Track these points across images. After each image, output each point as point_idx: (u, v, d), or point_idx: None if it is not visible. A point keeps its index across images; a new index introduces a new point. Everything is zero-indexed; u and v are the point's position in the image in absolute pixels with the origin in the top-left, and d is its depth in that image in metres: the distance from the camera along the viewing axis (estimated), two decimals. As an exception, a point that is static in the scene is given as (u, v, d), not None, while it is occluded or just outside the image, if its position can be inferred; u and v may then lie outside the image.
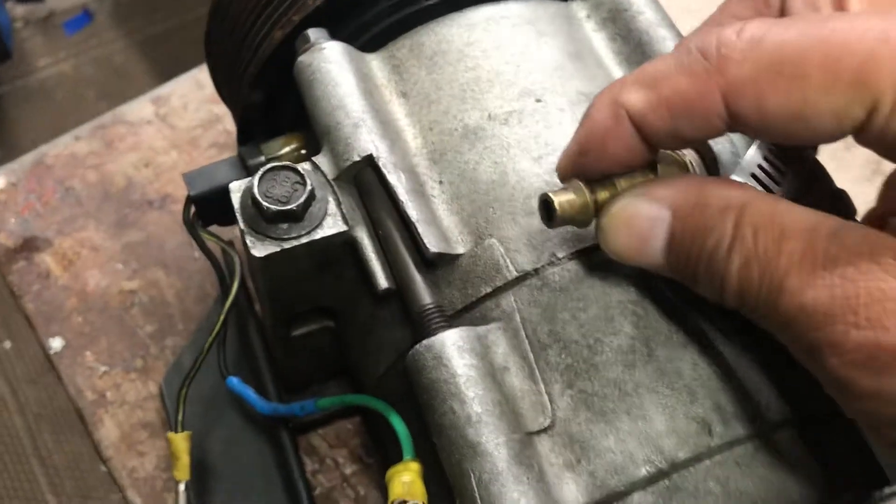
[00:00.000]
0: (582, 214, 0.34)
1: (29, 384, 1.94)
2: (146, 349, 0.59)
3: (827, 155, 0.39)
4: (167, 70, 2.41)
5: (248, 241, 0.38)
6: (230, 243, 0.48)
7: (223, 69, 0.49)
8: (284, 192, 0.38)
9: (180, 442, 0.47)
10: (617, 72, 0.44)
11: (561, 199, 0.33)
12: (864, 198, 0.38)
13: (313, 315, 0.46)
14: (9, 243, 0.62)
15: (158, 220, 0.64)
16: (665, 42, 0.43)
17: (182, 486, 0.47)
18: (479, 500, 0.32)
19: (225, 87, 0.50)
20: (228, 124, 0.68)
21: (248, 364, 0.54)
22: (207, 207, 0.48)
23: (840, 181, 0.39)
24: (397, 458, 0.39)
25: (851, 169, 0.64)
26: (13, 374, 1.82)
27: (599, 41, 0.45)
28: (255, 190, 0.38)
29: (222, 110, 0.68)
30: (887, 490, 0.37)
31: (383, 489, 0.54)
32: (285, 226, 0.38)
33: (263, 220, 0.38)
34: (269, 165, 0.38)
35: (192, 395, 0.55)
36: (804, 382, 0.32)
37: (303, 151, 0.48)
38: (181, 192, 0.65)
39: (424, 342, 0.35)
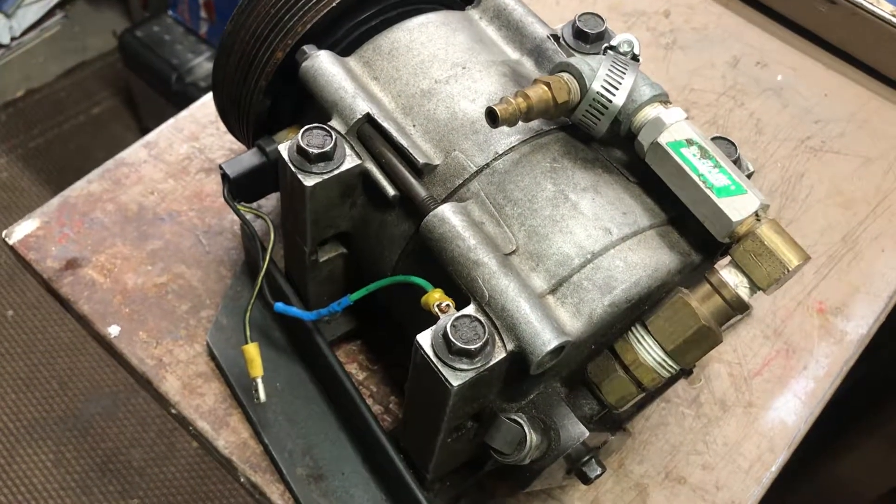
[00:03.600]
0: (513, 116, 0.56)
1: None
2: (186, 322, 0.76)
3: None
4: (53, 178, 2.51)
5: (299, 177, 0.58)
6: (259, 209, 0.67)
7: (231, 88, 0.69)
8: (319, 142, 0.59)
9: (252, 349, 0.65)
10: (505, 47, 0.67)
11: (500, 108, 0.55)
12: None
13: (333, 243, 0.66)
14: (55, 265, 0.78)
15: (171, 229, 0.81)
16: (534, 25, 0.67)
17: (259, 380, 0.65)
18: (486, 292, 0.53)
19: (231, 104, 0.70)
20: (209, 154, 0.86)
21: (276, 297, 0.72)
22: (239, 186, 0.67)
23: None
24: (414, 309, 0.58)
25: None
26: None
27: (491, 31, 0.68)
28: (301, 142, 0.58)
29: (202, 144, 0.87)
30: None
31: (390, 385, 0.74)
32: (322, 164, 0.59)
33: (307, 161, 0.58)
34: (306, 127, 0.59)
35: (234, 342, 0.73)
36: (662, 199, 0.56)
37: (301, 137, 0.68)
38: (185, 208, 0.83)
39: (431, 213, 0.56)
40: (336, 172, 0.59)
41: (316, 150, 0.58)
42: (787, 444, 0.75)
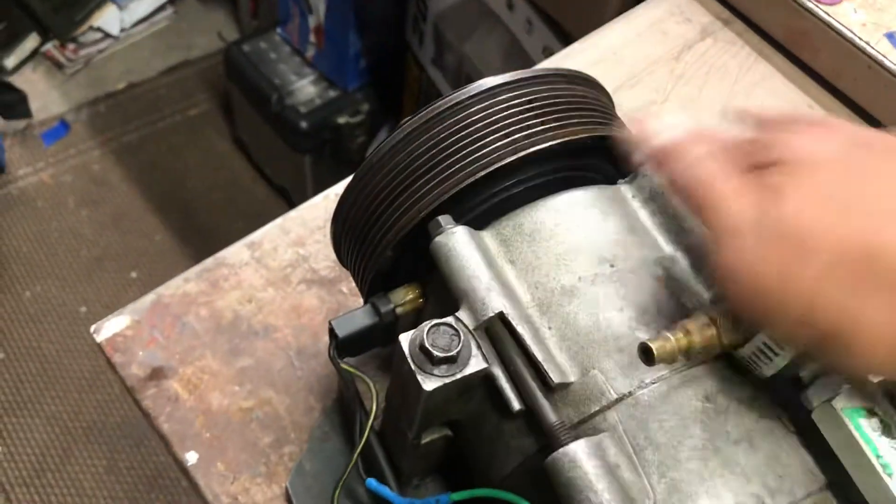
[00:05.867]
0: (670, 356, 0.49)
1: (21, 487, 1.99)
2: (267, 457, 0.72)
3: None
4: (144, 176, 2.54)
5: (419, 378, 0.52)
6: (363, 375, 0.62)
7: (354, 240, 0.63)
8: (445, 343, 0.53)
9: (337, 535, 0.60)
10: (658, 237, 0.60)
11: (657, 346, 0.49)
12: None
13: (439, 427, 0.61)
14: (139, 373, 0.74)
15: (264, 347, 0.77)
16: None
17: (341, 575, 0.60)
18: (615, 562, 0.47)
19: (350, 251, 0.65)
20: (313, 263, 0.82)
21: (368, 466, 0.67)
22: (346, 344, 0.62)
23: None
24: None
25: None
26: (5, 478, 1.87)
27: (644, 216, 0.61)
28: (425, 341, 0.52)
29: (307, 251, 0.82)
30: None
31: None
32: (445, 366, 0.53)
33: (430, 362, 0.52)
34: (432, 322, 0.53)
35: (315, 492, 0.68)
36: (823, 458, 0.48)
37: (420, 300, 0.63)
38: (281, 323, 0.78)
39: (560, 450, 0.50)
40: (459, 377, 0.53)
41: (441, 354, 0.52)
42: None
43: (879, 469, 0.48)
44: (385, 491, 0.61)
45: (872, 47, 0.94)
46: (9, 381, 2.02)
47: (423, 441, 0.61)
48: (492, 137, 0.59)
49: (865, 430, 0.49)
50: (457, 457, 0.64)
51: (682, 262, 0.59)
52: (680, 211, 0.60)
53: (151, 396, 0.73)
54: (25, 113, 2.28)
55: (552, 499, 0.51)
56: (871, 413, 0.49)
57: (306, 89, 2.09)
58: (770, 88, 1.00)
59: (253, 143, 2.32)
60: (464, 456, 0.62)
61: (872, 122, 0.97)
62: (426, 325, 0.53)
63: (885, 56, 0.93)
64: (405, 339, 0.54)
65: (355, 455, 0.61)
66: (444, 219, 0.58)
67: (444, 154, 0.59)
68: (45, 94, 2.46)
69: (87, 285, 2.17)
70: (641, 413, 0.52)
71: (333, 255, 0.80)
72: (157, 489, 1.92)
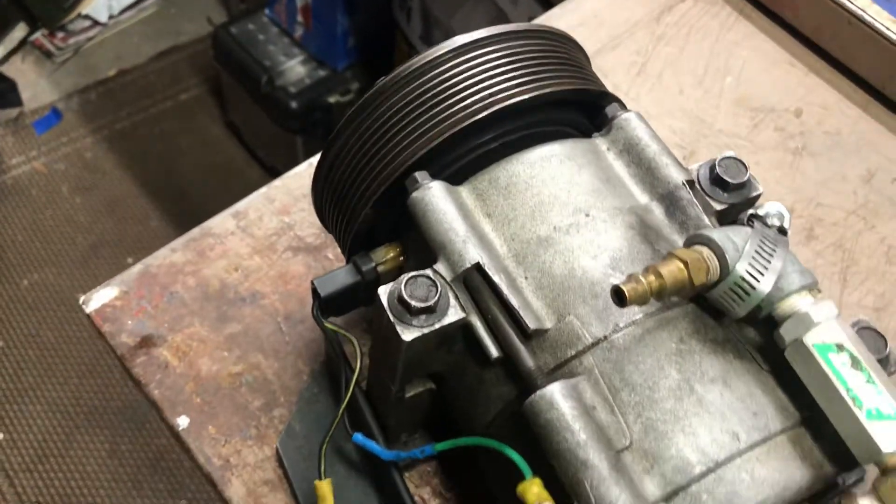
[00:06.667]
0: (643, 298, 0.50)
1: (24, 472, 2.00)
2: (257, 420, 0.73)
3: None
4: (136, 162, 2.53)
5: (398, 329, 0.53)
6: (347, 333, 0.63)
7: (332, 198, 0.64)
8: (423, 293, 0.53)
9: (325, 486, 0.61)
10: (633, 188, 0.61)
11: (628, 288, 0.49)
12: (801, 258, 0.55)
13: (422, 380, 0.61)
14: (129, 342, 0.75)
15: (252, 313, 0.78)
16: (668, 168, 0.60)
17: (330, 521, 0.61)
18: (592, 498, 0.48)
19: (331, 211, 0.65)
20: (298, 231, 0.82)
21: (356, 424, 0.68)
22: (329, 303, 0.63)
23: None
24: (504, 481, 0.53)
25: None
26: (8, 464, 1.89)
27: (619, 167, 0.62)
28: (403, 292, 0.53)
29: (292, 220, 0.83)
30: (848, 478, 0.54)
31: (464, 517, 0.69)
32: (423, 317, 0.54)
33: (408, 312, 0.53)
34: (409, 274, 0.54)
35: (305, 453, 0.69)
36: (796, 394, 0.49)
37: (401, 258, 0.63)
38: (268, 290, 0.79)
39: (538, 393, 0.51)
40: (438, 326, 0.54)
41: (419, 304, 0.53)
42: None
43: (850, 401, 0.49)
44: (371, 444, 0.62)
45: (852, 2, 0.95)
46: (8, 369, 2.03)
47: (408, 395, 0.62)
48: (465, 93, 0.60)
49: (836, 364, 0.50)
50: (442, 413, 0.65)
51: (657, 211, 0.60)
52: (654, 162, 0.61)
53: (142, 364, 0.74)
54: (16, 101, 2.28)
55: (534, 444, 0.52)
56: (840, 348, 0.50)
57: (296, 70, 2.09)
58: (751, 47, 1.00)
59: (245, 125, 2.32)
60: (448, 409, 0.63)
61: (854, 77, 0.98)
62: (404, 277, 0.54)
63: (863, 10, 0.94)
64: (384, 291, 0.55)
65: (341, 409, 0.62)
66: (420, 174, 0.59)
67: (419, 111, 0.60)
68: (35, 84, 2.45)
69: (84, 272, 2.17)
70: (617, 356, 0.53)
71: (318, 223, 0.81)
72: (159, 471, 1.93)
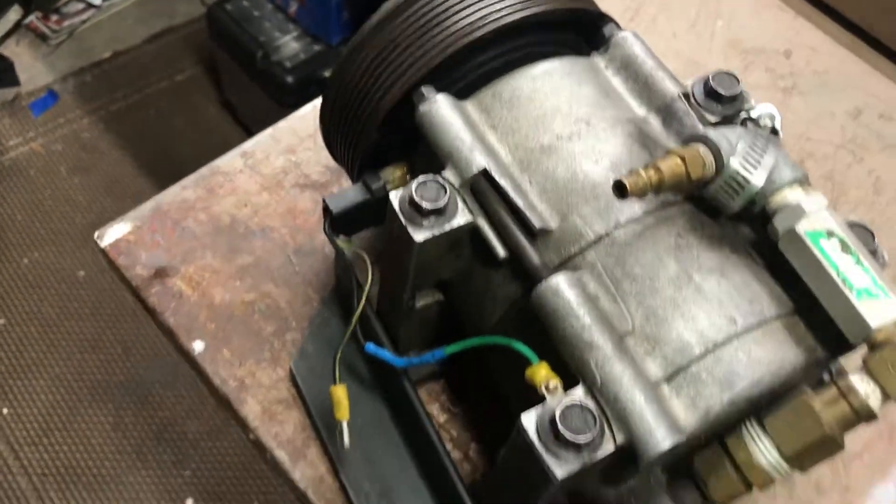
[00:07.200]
0: (642, 190, 0.52)
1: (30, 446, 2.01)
2: (271, 344, 0.75)
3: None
4: (133, 143, 2.55)
5: (409, 231, 0.56)
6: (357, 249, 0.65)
7: (341, 120, 0.66)
8: (432, 195, 0.56)
9: (340, 392, 0.63)
10: (631, 101, 0.63)
11: (629, 181, 0.52)
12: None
13: (430, 290, 0.64)
14: (144, 273, 0.78)
15: (262, 246, 0.80)
16: (664, 81, 0.63)
17: (344, 423, 0.63)
18: (598, 377, 0.50)
19: (339, 134, 0.68)
20: (305, 169, 0.85)
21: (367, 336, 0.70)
22: (340, 221, 0.65)
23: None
24: (513, 377, 0.55)
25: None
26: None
27: (618, 83, 0.64)
28: (414, 195, 0.55)
29: (298, 158, 0.85)
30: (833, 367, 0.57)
31: (472, 431, 0.72)
32: (433, 218, 0.56)
33: (419, 214, 0.56)
34: (420, 178, 0.56)
35: (317, 372, 0.72)
36: (789, 287, 0.52)
37: (407, 177, 0.66)
38: (277, 224, 0.81)
39: (544, 283, 0.53)
40: (448, 228, 0.56)
41: (429, 205, 0.55)
42: (885, 538, 0.71)
43: (840, 283, 0.52)
44: (383, 353, 0.64)
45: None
46: (11, 346, 2.04)
47: (418, 305, 0.64)
48: (468, 12, 0.62)
49: (827, 250, 0.52)
50: (451, 329, 0.67)
51: (654, 122, 0.62)
52: (650, 77, 0.64)
53: (157, 294, 0.77)
54: (13, 81, 2.29)
55: (539, 338, 0.54)
56: (830, 234, 0.53)
57: (290, 45, 2.11)
58: (742, -7, 1.03)
59: (240, 103, 2.34)
60: (457, 319, 0.65)
61: (841, 19, 1.00)
62: (415, 181, 0.56)
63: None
64: (395, 195, 0.57)
65: (354, 319, 0.64)
66: (426, 89, 0.61)
67: (423, 30, 0.62)
68: (31, 66, 2.46)
69: (84, 250, 2.19)
70: (618, 251, 0.55)
71: (324, 161, 0.84)
72: (163, 443, 1.95)
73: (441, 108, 0.60)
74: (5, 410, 1.95)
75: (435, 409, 0.73)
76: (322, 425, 0.70)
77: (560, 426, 0.48)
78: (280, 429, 0.71)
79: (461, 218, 0.57)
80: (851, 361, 0.55)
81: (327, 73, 2.08)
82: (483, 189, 0.58)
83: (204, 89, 2.48)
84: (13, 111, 2.38)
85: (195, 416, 1.99)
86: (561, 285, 0.53)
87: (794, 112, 0.93)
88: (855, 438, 0.74)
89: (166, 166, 2.36)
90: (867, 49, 0.98)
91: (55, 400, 1.98)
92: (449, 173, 0.58)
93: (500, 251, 0.57)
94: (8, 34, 2.48)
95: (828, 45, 0.99)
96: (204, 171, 0.84)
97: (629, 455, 0.50)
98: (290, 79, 2.05)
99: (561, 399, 0.50)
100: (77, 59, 2.50)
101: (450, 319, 0.67)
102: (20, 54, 2.47)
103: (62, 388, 2.00)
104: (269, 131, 0.87)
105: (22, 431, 1.94)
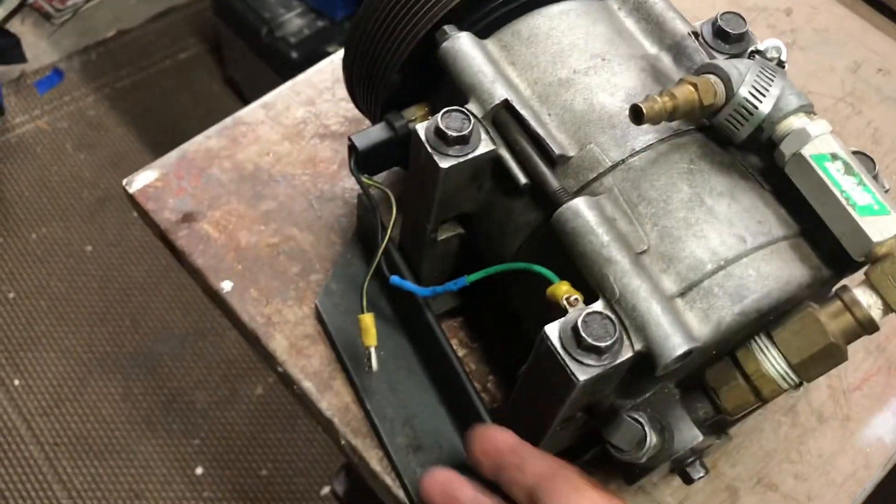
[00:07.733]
0: (658, 116, 0.56)
1: (42, 416, 2.05)
2: (296, 284, 0.78)
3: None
4: (138, 120, 2.57)
5: (435, 158, 0.59)
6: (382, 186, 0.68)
7: (364, 61, 0.69)
8: (457, 125, 0.59)
9: (368, 319, 0.66)
10: (644, 41, 0.66)
11: (646, 106, 0.55)
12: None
13: (452, 224, 0.67)
14: (172, 217, 0.81)
15: (285, 192, 0.83)
16: (675, 21, 0.66)
17: (372, 350, 0.66)
18: (616, 290, 0.54)
19: (362, 76, 0.71)
20: (324, 120, 0.88)
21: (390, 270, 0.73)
22: (364, 159, 0.68)
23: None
24: (535, 300, 0.58)
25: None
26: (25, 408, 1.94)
27: (630, 23, 0.67)
28: (440, 124, 0.58)
29: (317, 110, 0.88)
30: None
31: (489, 364, 0.75)
32: (458, 147, 0.59)
33: (444, 143, 0.59)
34: (445, 109, 0.59)
35: (342, 309, 0.75)
36: (795, 212, 0.55)
37: (429, 116, 0.69)
38: (299, 171, 0.84)
39: (564, 205, 0.56)
40: (471, 156, 0.59)
41: (454, 133, 0.58)
42: (883, 463, 0.74)
43: (843, 201, 0.55)
44: (407, 283, 0.67)
45: None
46: (21, 319, 2.07)
47: (440, 238, 0.68)
48: (488, -45, 0.65)
49: (831, 171, 0.56)
50: (471, 264, 0.70)
51: (665, 59, 0.65)
52: (661, 17, 0.67)
53: (185, 237, 0.80)
54: (20, 57, 2.31)
55: (560, 263, 0.57)
56: (834, 157, 0.56)
57: (295, 21, 2.13)
58: (743, -46, 1.06)
59: (245, 80, 2.36)
60: (476, 254, 0.68)
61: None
62: (440, 112, 0.59)
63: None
64: (420, 127, 0.60)
65: (379, 252, 0.67)
66: (448, 27, 0.64)
67: (446, -28, 0.65)
68: (35, 45, 2.49)
69: (91, 225, 2.22)
70: (634, 176, 0.58)
71: (342, 112, 0.87)
72: (172, 413, 1.99)
73: (464, 45, 0.63)
74: (17, 382, 1.98)
75: (454, 343, 0.76)
76: (347, 358, 0.74)
77: (582, 332, 0.51)
78: (307, 362, 0.74)
79: (484, 146, 0.60)
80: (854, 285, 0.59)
81: (332, 49, 2.10)
82: (504, 120, 0.61)
83: (208, 67, 2.51)
84: (18, 89, 2.40)
85: (203, 387, 2.02)
86: (581, 207, 0.56)
87: (795, 65, 0.96)
88: (856, 372, 0.78)
89: (171, 143, 2.39)
90: (866, 7, 1.01)
91: (65, 371, 2.01)
92: (472, 105, 0.61)
93: (522, 178, 0.60)
94: (12, 13, 2.50)
95: (828, 3, 1.02)
96: (227, 121, 0.87)
97: (646, 362, 0.53)
98: (294, 54, 2.08)
99: (582, 310, 0.53)
100: (81, 38, 2.52)
101: (469, 255, 0.70)
102: (25, 33, 2.49)
103: (72, 359, 2.03)
104: (288, 84, 0.90)
105: (33, 402, 1.97)
